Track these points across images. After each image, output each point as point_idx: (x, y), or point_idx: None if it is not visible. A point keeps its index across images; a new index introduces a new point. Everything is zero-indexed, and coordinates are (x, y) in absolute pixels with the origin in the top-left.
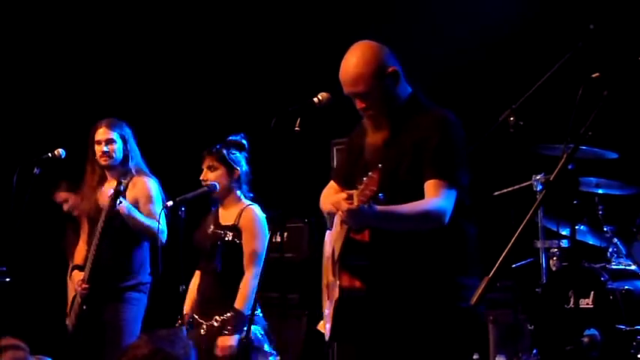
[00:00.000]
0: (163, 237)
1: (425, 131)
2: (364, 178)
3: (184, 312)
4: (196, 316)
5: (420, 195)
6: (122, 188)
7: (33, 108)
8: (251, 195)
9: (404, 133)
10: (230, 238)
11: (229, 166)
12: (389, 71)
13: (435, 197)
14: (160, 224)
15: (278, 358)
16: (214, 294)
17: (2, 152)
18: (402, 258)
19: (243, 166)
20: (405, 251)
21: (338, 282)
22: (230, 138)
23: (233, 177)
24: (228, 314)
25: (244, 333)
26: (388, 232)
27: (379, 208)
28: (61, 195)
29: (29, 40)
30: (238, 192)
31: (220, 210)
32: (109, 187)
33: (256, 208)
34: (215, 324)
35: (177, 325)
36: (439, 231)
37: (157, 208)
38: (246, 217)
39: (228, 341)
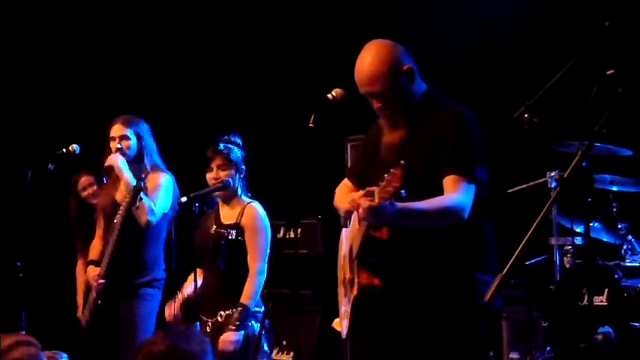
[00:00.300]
0: (151, 216)
1: (443, 128)
2: (385, 175)
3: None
4: (202, 316)
5: (438, 192)
6: (142, 184)
7: (48, 104)
8: (249, 194)
9: (421, 131)
10: (233, 237)
11: (238, 166)
12: (404, 69)
13: (455, 193)
14: (148, 199)
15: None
16: (218, 292)
17: (17, 148)
18: (420, 255)
19: (239, 164)
20: (423, 248)
21: (356, 280)
22: (230, 137)
23: (240, 176)
24: (233, 309)
25: (249, 329)
26: (407, 229)
27: (400, 205)
28: (84, 180)
29: (45, 36)
30: (240, 191)
31: (222, 209)
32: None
33: (257, 206)
34: (219, 319)
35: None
36: (458, 227)
37: (160, 194)
38: (249, 214)
39: (232, 336)
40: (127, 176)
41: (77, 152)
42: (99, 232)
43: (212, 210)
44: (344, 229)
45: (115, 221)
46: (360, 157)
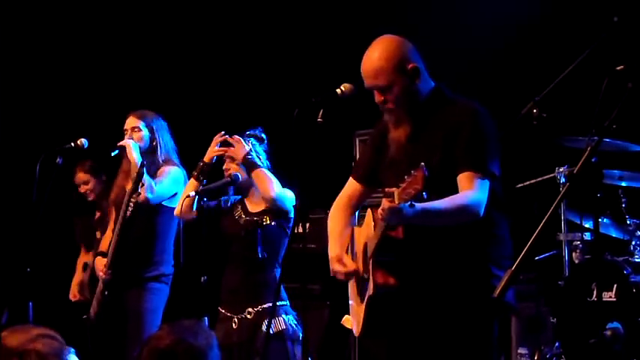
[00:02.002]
0: (151, 195)
1: (454, 124)
2: (406, 177)
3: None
4: (223, 310)
5: (452, 188)
6: (144, 170)
7: (57, 98)
8: None
9: (430, 128)
10: (268, 222)
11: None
12: (409, 67)
13: (470, 190)
14: (151, 180)
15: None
16: (247, 285)
17: (25, 142)
18: (436, 252)
19: (263, 159)
20: (439, 245)
21: (372, 279)
22: (249, 132)
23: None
24: (264, 306)
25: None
26: (422, 228)
27: (419, 206)
28: (80, 177)
29: (55, 30)
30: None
31: (246, 201)
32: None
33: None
34: (248, 316)
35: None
36: (473, 223)
37: (165, 180)
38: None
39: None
40: (136, 157)
41: (85, 146)
42: (111, 225)
43: (238, 199)
44: (355, 228)
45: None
46: (368, 156)
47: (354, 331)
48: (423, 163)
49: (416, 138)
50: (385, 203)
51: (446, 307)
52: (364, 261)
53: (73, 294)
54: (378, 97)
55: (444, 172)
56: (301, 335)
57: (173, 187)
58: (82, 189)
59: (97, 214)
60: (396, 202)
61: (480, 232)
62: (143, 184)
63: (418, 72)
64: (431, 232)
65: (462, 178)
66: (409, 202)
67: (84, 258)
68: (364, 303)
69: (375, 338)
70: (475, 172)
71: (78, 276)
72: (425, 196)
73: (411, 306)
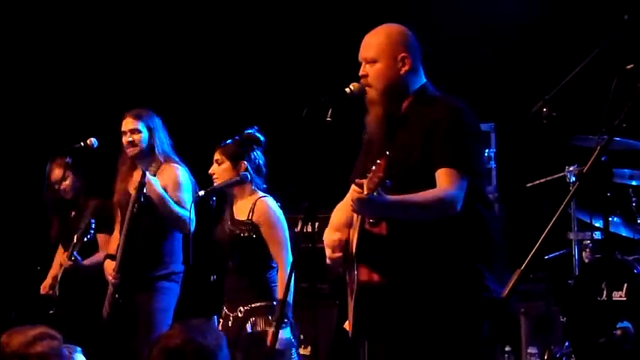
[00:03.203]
0: (192, 225)
1: (434, 119)
2: (373, 167)
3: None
4: (225, 309)
5: (431, 184)
6: (146, 170)
7: (67, 97)
8: (264, 186)
9: (410, 124)
10: (245, 234)
11: (235, 160)
12: (401, 54)
13: (447, 185)
14: (186, 210)
15: None
16: (237, 287)
17: (35, 141)
18: (421, 250)
19: (259, 159)
20: (424, 243)
21: (356, 276)
22: (246, 132)
23: (239, 170)
24: (253, 305)
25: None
26: (406, 225)
27: (391, 197)
28: (57, 173)
29: (63, 29)
30: (252, 185)
31: (235, 204)
32: (137, 176)
33: (268, 200)
34: (239, 314)
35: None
36: (458, 220)
37: (185, 195)
38: (260, 209)
39: (280, 334)
40: (160, 192)
41: (95, 146)
42: (117, 227)
43: (229, 203)
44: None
45: (127, 215)
46: (362, 160)
47: (349, 331)
48: (387, 152)
49: (393, 133)
50: (354, 194)
51: (434, 306)
52: (350, 259)
53: (44, 287)
54: (361, 70)
55: (423, 170)
56: (295, 351)
57: (189, 193)
58: (60, 186)
59: (73, 213)
60: (365, 192)
61: (465, 229)
62: (174, 210)
63: (408, 62)
64: (415, 229)
65: (440, 174)
66: (376, 192)
67: (61, 256)
68: (352, 302)
69: (367, 338)
70: (452, 169)
71: (54, 270)
72: (389, 184)
73: (397, 304)
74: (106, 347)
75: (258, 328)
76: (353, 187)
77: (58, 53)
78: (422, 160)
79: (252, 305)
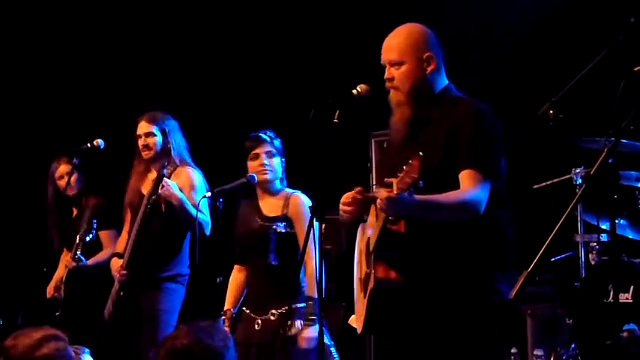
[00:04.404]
0: (208, 228)
1: (458, 122)
2: (404, 166)
3: (225, 307)
4: (247, 311)
5: (453, 185)
6: (165, 172)
7: (74, 98)
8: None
9: (434, 125)
10: (282, 230)
11: (281, 157)
12: (425, 54)
13: (471, 187)
14: (204, 214)
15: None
16: (268, 288)
17: (42, 142)
18: (438, 249)
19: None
20: (441, 242)
21: (373, 273)
22: (265, 132)
23: (283, 166)
24: (287, 307)
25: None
26: (424, 223)
27: (417, 197)
28: (63, 169)
29: (71, 31)
30: (284, 182)
31: (262, 201)
32: (152, 178)
33: (302, 195)
34: (272, 318)
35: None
36: (475, 222)
37: (199, 198)
38: (295, 204)
39: (311, 332)
40: (179, 195)
41: (102, 147)
42: (125, 226)
43: (246, 203)
44: (361, 224)
45: (139, 214)
46: (384, 161)
47: (357, 328)
48: (420, 152)
49: (417, 134)
50: (383, 193)
51: (446, 305)
52: (368, 256)
53: (50, 290)
54: (386, 73)
55: (446, 171)
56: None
57: (203, 194)
58: (61, 181)
59: (75, 213)
60: (394, 191)
61: (482, 232)
62: (193, 216)
63: (433, 62)
64: (433, 228)
65: (463, 176)
66: (407, 192)
67: (65, 257)
68: (366, 298)
69: (378, 334)
70: (476, 171)
71: (59, 272)
72: (421, 185)
73: (412, 302)
74: (108, 348)
75: (295, 331)
76: (382, 186)
77: (63, 55)
78: (445, 161)
79: (287, 308)
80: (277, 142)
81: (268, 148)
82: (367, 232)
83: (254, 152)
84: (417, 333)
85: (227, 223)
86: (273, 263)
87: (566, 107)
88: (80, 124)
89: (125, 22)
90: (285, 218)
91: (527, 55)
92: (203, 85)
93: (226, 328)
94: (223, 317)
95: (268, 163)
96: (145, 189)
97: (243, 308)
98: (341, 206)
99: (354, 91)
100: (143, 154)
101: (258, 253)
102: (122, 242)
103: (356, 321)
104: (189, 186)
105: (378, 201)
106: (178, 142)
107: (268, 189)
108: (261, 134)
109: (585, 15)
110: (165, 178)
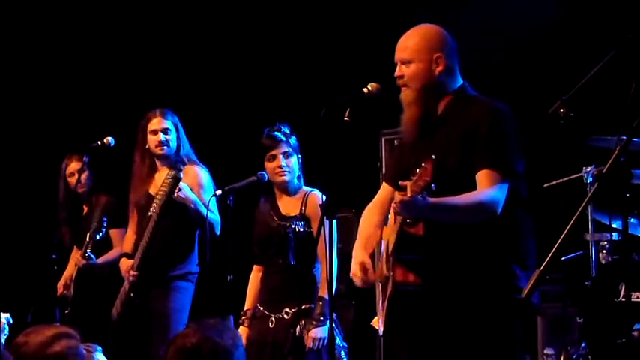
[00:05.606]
0: (218, 228)
1: (474, 120)
2: (417, 170)
3: (245, 307)
4: (261, 308)
5: (469, 186)
6: (181, 176)
7: (85, 96)
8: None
9: (450, 125)
10: (301, 229)
11: (298, 153)
12: (436, 55)
13: (488, 188)
14: (213, 213)
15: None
16: (283, 287)
17: (52, 140)
18: (456, 251)
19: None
20: (459, 244)
21: (392, 276)
22: (280, 127)
23: (299, 165)
24: (301, 307)
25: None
26: (442, 226)
27: (432, 199)
28: (74, 166)
29: (81, 28)
30: (298, 180)
31: (280, 200)
32: (160, 178)
33: (319, 194)
34: (285, 316)
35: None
36: (494, 222)
37: (209, 198)
38: (312, 202)
39: (320, 332)
40: (193, 198)
41: (112, 145)
42: (132, 226)
43: (264, 202)
44: (384, 228)
45: (150, 214)
46: (396, 157)
47: (379, 330)
48: (433, 156)
49: (430, 134)
50: (397, 196)
51: (467, 306)
52: (387, 259)
53: (60, 288)
54: (397, 71)
55: (463, 171)
56: (340, 339)
57: (211, 192)
58: (72, 179)
59: (85, 210)
60: (408, 194)
61: (501, 231)
62: (205, 217)
63: (442, 63)
64: (452, 230)
65: (481, 176)
66: (421, 195)
67: (75, 255)
68: (386, 301)
69: (397, 337)
70: (494, 171)
71: (69, 270)
72: (434, 188)
73: (432, 305)
74: (116, 346)
75: (306, 331)
76: (397, 190)
77: (74, 53)
78: (461, 161)
79: (301, 307)
80: (293, 140)
81: (285, 148)
82: (387, 235)
83: (271, 154)
84: (438, 335)
85: (238, 222)
86: (292, 263)
87: (577, 106)
88: (91, 122)
89: (135, 18)
90: (302, 217)
91: (538, 53)
92: (212, 82)
93: (245, 328)
94: (243, 317)
95: (285, 164)
96: (153, 190)
97: (257, 305)
98: (358, 272)
99: (365, 90)
100: (157, 149)
101: (277, 252)
102: (129, 241)
103: (377, 323)
104: (198, 185)
105: (393, 204)
106: (185, 140)
107: (286, 189)
108: (276, 134)
109: (596, 13)
110: (180, 183)
